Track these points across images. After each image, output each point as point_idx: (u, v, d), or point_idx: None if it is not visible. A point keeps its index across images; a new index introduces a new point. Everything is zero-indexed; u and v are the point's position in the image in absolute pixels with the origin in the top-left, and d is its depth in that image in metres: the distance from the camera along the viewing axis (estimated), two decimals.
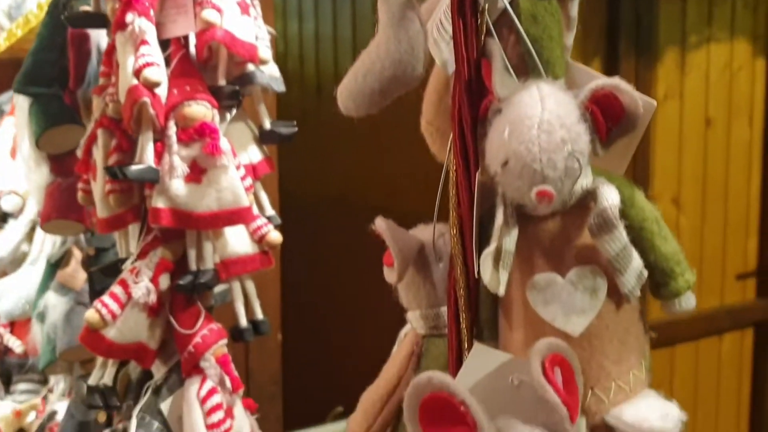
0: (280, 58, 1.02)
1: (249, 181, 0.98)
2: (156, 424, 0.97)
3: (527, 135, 0.57)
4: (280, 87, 1.01)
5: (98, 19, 1.02)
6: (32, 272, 1.50)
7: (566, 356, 0.61)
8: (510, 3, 0.63)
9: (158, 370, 1.01)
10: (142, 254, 0.97)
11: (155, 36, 0.92)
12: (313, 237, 2.86)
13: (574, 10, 0.67)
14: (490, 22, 0.63)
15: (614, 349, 0.64)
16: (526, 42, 0.61)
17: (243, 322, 1.04)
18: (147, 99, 0.88)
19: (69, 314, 1.30)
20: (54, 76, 1.14)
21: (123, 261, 1.00)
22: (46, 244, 1.52)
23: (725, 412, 2.52)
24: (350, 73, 0.68)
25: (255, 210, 1.01)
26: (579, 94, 0.60)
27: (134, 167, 0.91)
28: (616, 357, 0.64)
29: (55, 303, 1.32)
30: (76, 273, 1.34)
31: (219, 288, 1.05)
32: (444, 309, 0.74)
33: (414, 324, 0.77)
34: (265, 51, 0.99)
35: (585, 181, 0.61)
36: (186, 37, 0.96)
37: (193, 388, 0.96)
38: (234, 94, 0.96)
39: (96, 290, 1.19)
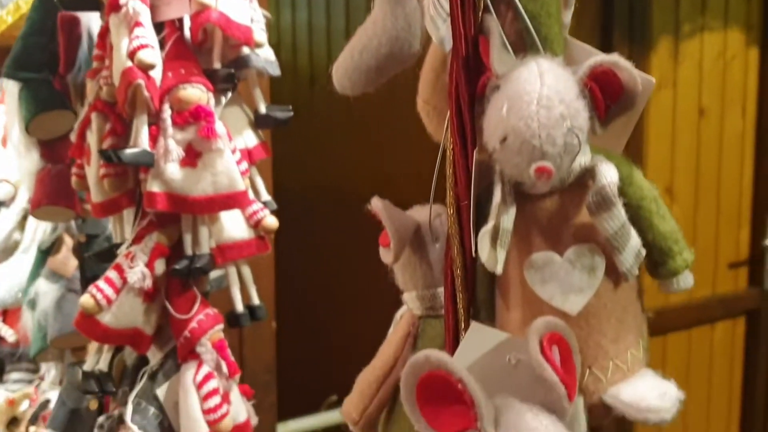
0: (272, 49, 1.01)
1: (245, 165, 0.98)
2: (152, 410, 0.97)
3: (526, 110, 0.57)
4: (275, 71, 1.00)
5: (91, 1, 1.01)
6: (24, 261, 1.49)
7: (564, 335, 0.61)
8: None
9: (154, 356, 1.00)
10: (137, 239, 0.96)
11: (149, 18, 0.91)
12: (307, 228, 2.85)
13: None
14: None
15: (612, 328, 0.64)
16: (524, 18, 0.61)
17: (239, 307, 1.03)
18: (141, 81, 0.87)
19: (60, 301, 1.30)
20: (44, 60, 1.13)
21: (118, 246, 1.00)
22: (39, 233, 1.51)
23: (717, 400, 2.54)
24: (346, 50, 0.67)
25: (251, 195, 1.01)
26: (577, 70, 0.60)
27: (129, 151, 0.90)
28: (614, 336, 0.64)
29: (45, 290, 1.31)
30: (67, 260, 1.33)
31: (215, 274, 1.05)
32: (440, 290, 0.74)
33: (410, 305, 0.77)
34: (261, 34, 0.98)
35: (583, 158, 0.61)
36: (180, 20, 0.95)
37: (190, 374, 0.96)
38: (229, 77, 0.95)
39: (87, 277, 1.19)
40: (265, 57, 1.00)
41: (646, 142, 2.24)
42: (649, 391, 0.64)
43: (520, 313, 0.65)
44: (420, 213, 0.76)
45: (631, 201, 0.63)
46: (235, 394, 1.01)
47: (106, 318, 0.94)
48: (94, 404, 1.14)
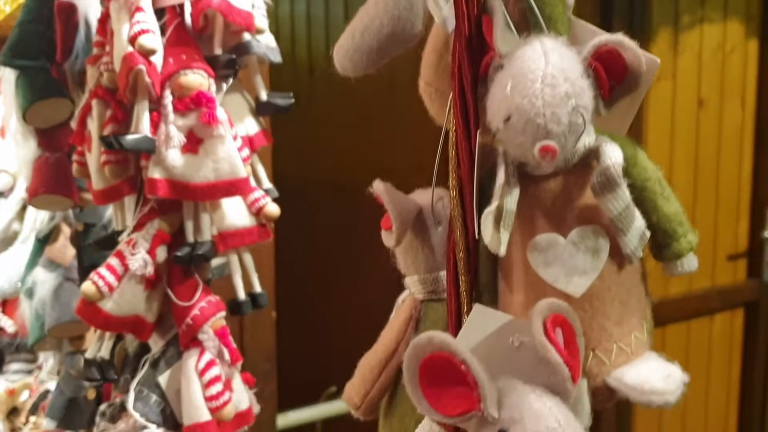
0: None
1: (246, 152, 0.98)
2: (154, 397, 0.97)
3: (531, 89, 0.56)
4: (276, 57, 1.00)
5: None
6: (24, 251, 1.49)
7: (568, 317, 0.61)
8: None
9: (156, 343, 1.00)
10: (138, 226, 0.96)
11: (150, 4, 0.91)
12: (307, 219, 2.85)
13: None
14: None
15: (616, 310, 0.64)
16: None
17: (241, 294, 1.03)
18: (142, 66, 0.87)
19: (57, 290, 1.29)
20: (41, 48, 1.12)
21: (119, 233, 0.99)
22: (38, 223, 1.51)
23: (716, 391, 2.54)
24: (347, 31, 0.67)
25: (252, 182, 1.00)
26: (582, 50, 0.59)
27: (130, 137, 0.90)
28: (618, 318, 0.64)
29: (43, 279, 1.31)
30: (64, 249, 1.32)
31: (216, 262, 1.05)
32: (442, 273, 0.74)
33: (412, 289, 0.77)
34: (262, 20, 0.98)
35: (588, 139, 0.61)
36: (181, 6, 0.95)
37: (191, 361, 0.96)
38: (230, 63, 0.95)
39: (85, 266, 1.18)
40: (266, 43, 1.00)
41: (646, 132, 2.23)
42: (652, 374, 0.63)
43: (523, 296, 0.65)
44: (422, 197, 0.76)
45: (636, 182, 0.63)
46: (237, 382, 1.01)
47: (108, 305, 0.93)
48: (92, 393, 1.14)
